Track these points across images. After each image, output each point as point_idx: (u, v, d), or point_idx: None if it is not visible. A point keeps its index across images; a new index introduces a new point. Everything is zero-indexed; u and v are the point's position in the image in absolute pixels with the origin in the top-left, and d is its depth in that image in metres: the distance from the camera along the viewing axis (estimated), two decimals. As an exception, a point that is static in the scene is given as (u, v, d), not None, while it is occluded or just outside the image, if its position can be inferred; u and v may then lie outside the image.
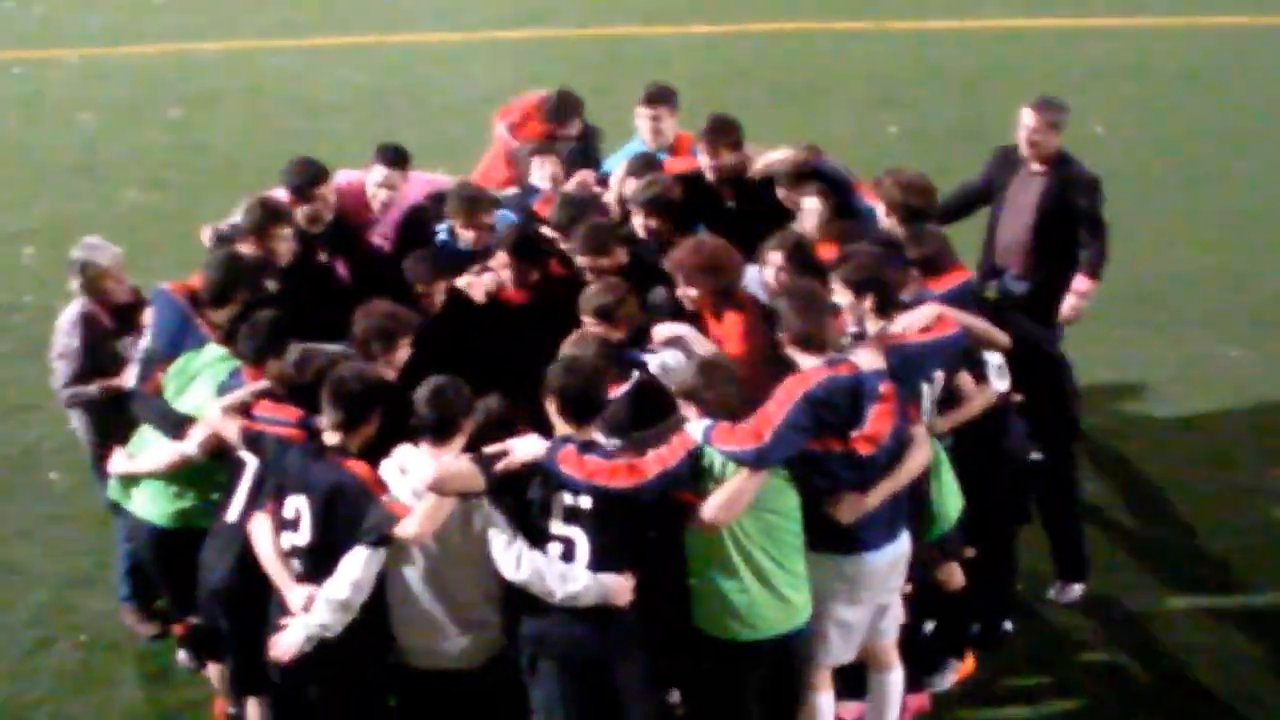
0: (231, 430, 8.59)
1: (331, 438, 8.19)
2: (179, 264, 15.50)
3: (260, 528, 8.38)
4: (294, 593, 8.15)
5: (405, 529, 7.90)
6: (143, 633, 10.51)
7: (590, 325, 9.17)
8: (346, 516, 8.03)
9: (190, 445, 8.89)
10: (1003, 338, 9.38)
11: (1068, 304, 11.57)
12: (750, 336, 9.32)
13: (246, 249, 10.05)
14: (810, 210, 10.06)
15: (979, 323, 9.24)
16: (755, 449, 7.89)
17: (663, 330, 9.18)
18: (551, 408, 8.16)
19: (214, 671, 9.57)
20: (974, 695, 9.99)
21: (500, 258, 10.21)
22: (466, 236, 10.63)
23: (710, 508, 7.96)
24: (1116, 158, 19.98)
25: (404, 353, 9.03)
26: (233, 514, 8.69)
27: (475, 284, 10.23)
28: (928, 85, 23.53)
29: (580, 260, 9.93)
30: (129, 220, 18.65)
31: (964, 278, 9.71)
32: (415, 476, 8.00)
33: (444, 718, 8.41)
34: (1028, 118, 11.58)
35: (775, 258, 9.62)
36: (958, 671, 10.01)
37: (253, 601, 8.47)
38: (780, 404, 8.02)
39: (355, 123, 21.77)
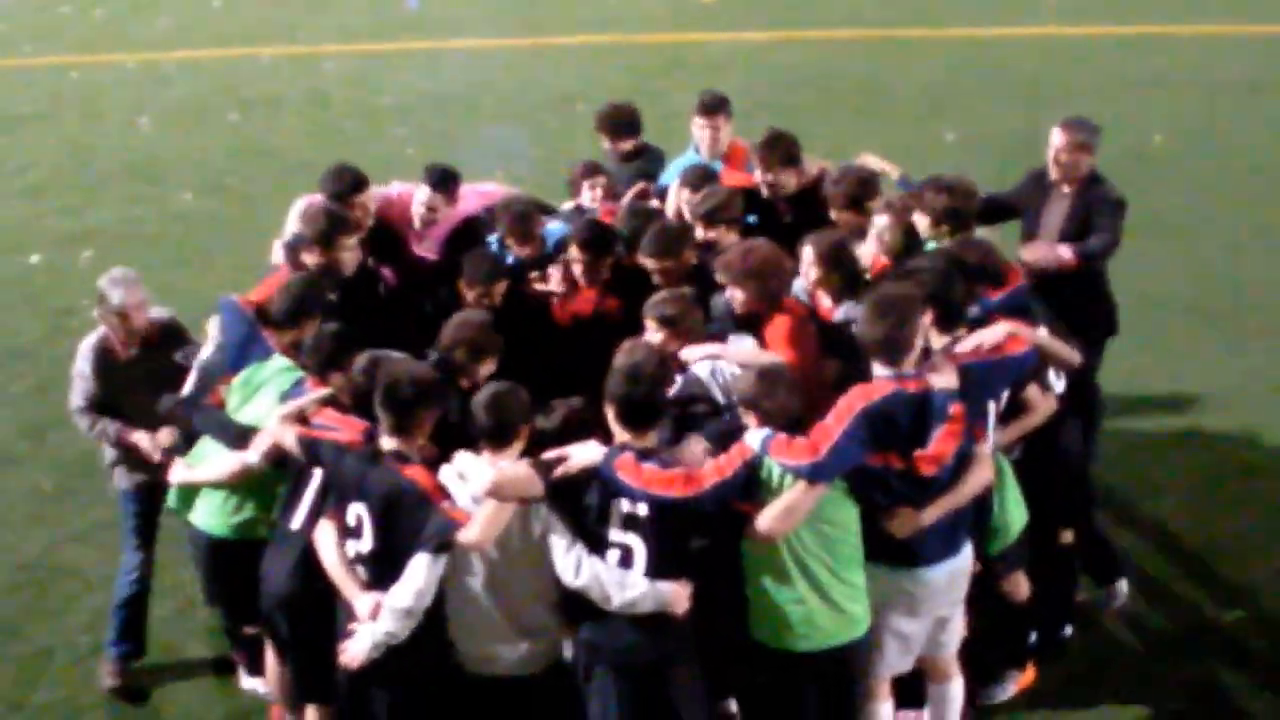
0: (289, 438, 8.58)
1: (388, 443, 8.17)
2: (236, 268, 15.65)
3: (324, 535, 8.37)
4: (361, 600, 8.14)
5: (466, 535, 7.87)
6: (105, 684, 10.24)
7: (652, 331, 9.11)
8: (407, 523, 8.00)
9: (253, 454, 8.85)
10: (1075, 356, 9.30)
11: (1037, 247, 11.06)
12: (797, 341, 9.26)
13: (311, 259, 10.04)
14: (881, 227, 9.92)
15: (1051, 341, 9.15)
16: (811, 464, 7.82)
17: (693, 353, 9.10)
18: (610, 414, 8.12)
19: (271, 679, 9.55)
20: (1035, 705, 9.89)
21: (572, 252, 10.16)
22: (519, 252, 10.58)
23: (766, 519, 7.91)
24: (1178, 167, 19.92)
25: (488, 368, 9.03)
26: (296, 522, 8.67)
27: (550, 276, 10.24)
28: (985, 93, 23.42)
29: (648, 263, 9.87)
30: (187, 224, 18.81)
31: (1020, 282, 9.63)
32: (474, 482, 7.97)
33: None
34: (1056, 137, 11.28)
35: (807, 254, 9.59)
36: (1018, 682, 9.92)
37: (314, 609, 8.46)
38: (840, 417, 7.94)
39: (414, 128, 21.85)
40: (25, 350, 15.25)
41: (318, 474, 8.57)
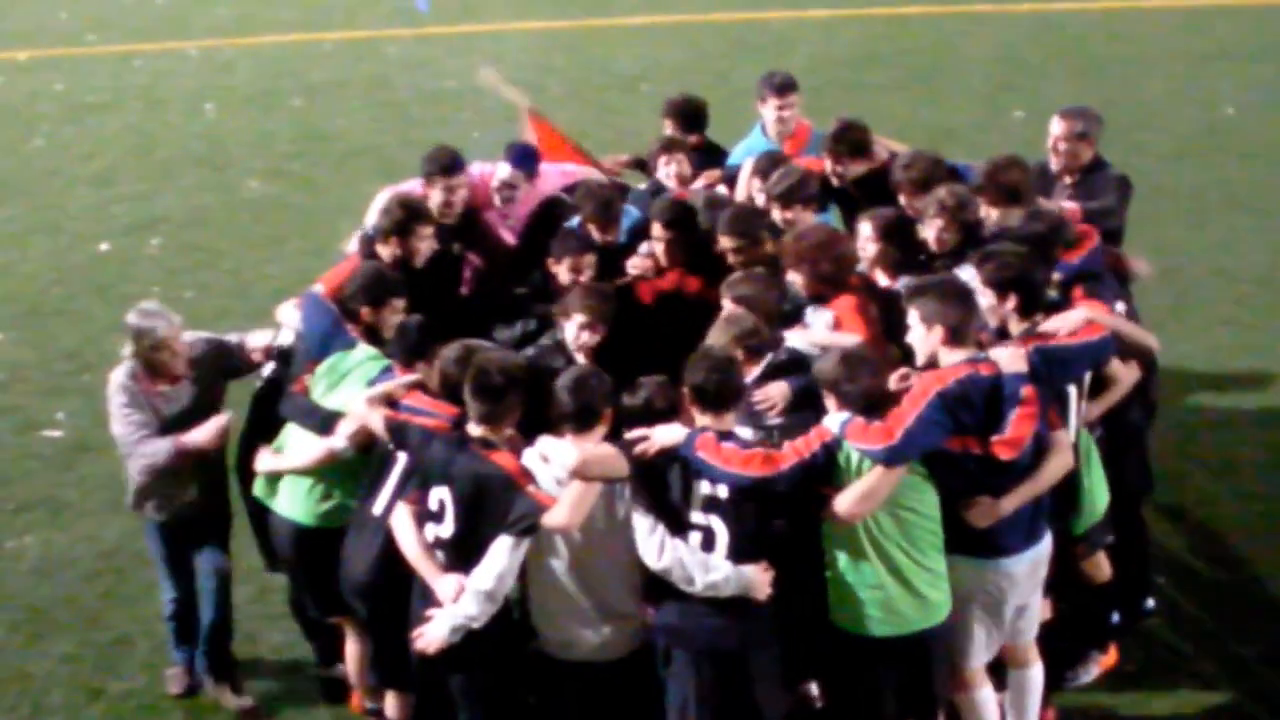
0: (376, 421, 8.58)
1: (475, 429, 8.15)
2: (304, 252, 15.70)
3: (402, 518, 8.34)
4: (443, 583, 8.10)
5: (553, 518, 7.85)
6: (171, 689, 10.12)
7: (729, 310, 9.05)
8: (492, 508, 7.98)
9: (339, 440, 8.87)
10: (1151, 340, 9.23)
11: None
12: (861, 320, 9.20)
13: (385, 250, 10.00)
14: (937, 229, 9.76)
15: (1127, 326, 9.09)
16: (886, 447, 7.75)
17: (793, 337, 9.08)
18: (688, 398, 8.10)
19: (350, 666, 9.54)
20: (1117, 689, 9.77)
21: (656, 230, 10.13)
22: (600, 237, 10.48)
23: (844, 502, 7.84)
24: (1251, 139, 19.73)
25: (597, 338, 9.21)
26: (378, 507, 8.65)
27: (635, 264, 10.18)
28: (1053, 68, 23.30)
29: (725, 242, 9.81)
30: (254, 210, 18.87)
31: (1093, 243, 9.55)
32: (558, 465, 7.96)
33: (584, 710, 8.34)
34: (1055, 126, 10.86)
35: (865, 229, 9.58)
36: (1100, 664, 9.84)
37: (395, 595, 8.43)
38: (914, 401, 7.89)
39: (479, 111, 21.81)
40: (98, 338, 15.28)
41: (402, 459, 8.55)
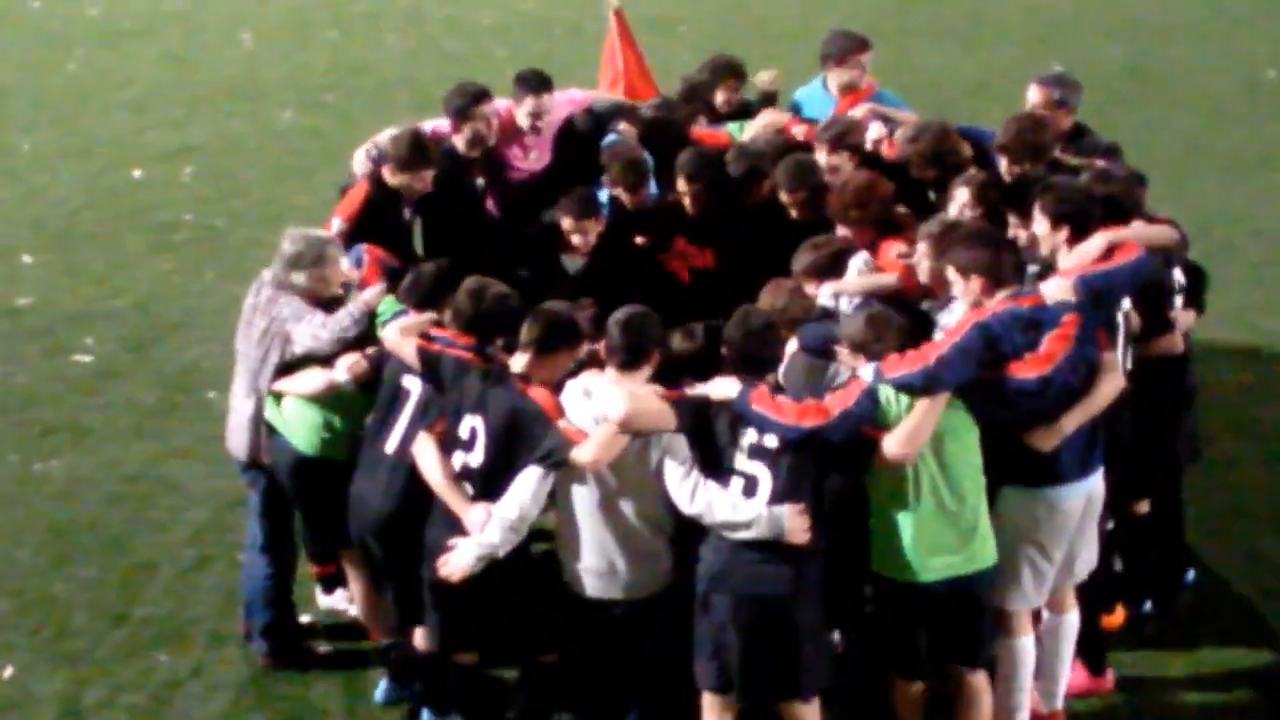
0: (409, 350, 8.58)
1: (518, 362, 8.21)
2: (335, 184, 15.57)
3: (426, 448, 8.35)
4: (472, 511, 8.13)
5: (581, 454, 7.86)
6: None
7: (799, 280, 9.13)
8: (524, 441, 8.04)
9: (340, 372, 8.88)
10: (1171, 233, 9.10)
11: None
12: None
13: (392, 179, 10.14)
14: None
15: (1145, 231, 8.88)
16: (922, 370, 7.76)
17: (823, 290, 9.04)
18: (727, 361, 8.16)
19: (363, 610, 9.54)
20: (1135, 646, 9.72)
21: (680, 184, 10.15)
22: (629, 201, 10.49)
23: (894, 442, 7.80)
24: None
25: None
26: (390, 445, 8.66)
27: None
28: (1093, 24, 23.16)
29: (787, 198, 9.91)
30: (286, 140, 18.91)
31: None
32: (599, 403, 7.96)
33: (609, 647, 8.35)
34: (1033, 94, 10.64)
35: (962, 194, 9.45)
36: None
37: (413, 532, 8.43)
38: (953, 333, 7.94)
39: (515, 49, 21.78)
40: (128, 264, 15.35)
41: (414, 398, 8.59)
